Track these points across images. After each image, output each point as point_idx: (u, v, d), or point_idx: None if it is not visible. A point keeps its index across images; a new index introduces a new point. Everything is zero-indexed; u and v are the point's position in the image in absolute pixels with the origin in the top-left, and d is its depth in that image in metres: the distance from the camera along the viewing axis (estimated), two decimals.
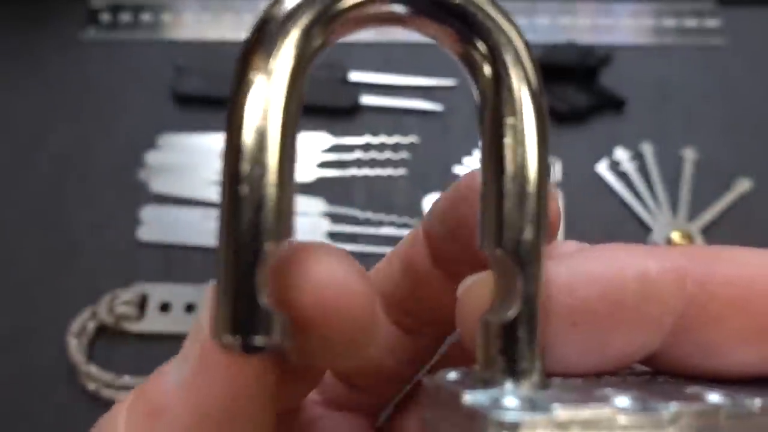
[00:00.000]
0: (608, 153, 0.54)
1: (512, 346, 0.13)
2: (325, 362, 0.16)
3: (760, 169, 0.52)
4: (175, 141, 0.55)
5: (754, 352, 0.14)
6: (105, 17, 0.61)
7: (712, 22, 0.61)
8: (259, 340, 0.12)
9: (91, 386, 0.43)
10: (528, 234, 0.13)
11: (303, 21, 0.13)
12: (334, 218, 0.50)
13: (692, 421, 0.13)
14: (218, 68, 0.56)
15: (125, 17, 0.61)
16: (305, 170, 0.52)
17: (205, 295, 0.14)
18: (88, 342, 0.45)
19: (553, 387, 0.14)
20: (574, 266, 0.14)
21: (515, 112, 0.13)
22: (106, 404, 0.43)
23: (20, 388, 0.44)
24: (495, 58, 0.14)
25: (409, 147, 0.54)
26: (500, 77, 0.14)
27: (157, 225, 0.50)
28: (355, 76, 0.56)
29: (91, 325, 0.45)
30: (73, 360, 0.44)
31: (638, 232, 0.51)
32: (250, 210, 0.12)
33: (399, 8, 0.13)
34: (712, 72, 0.58)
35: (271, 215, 0.12)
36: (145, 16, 0.61)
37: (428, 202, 0.51)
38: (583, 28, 0.61)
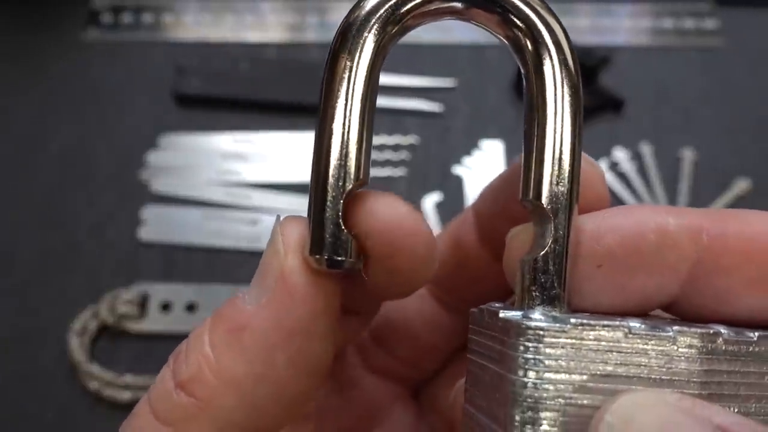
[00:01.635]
0: (607, 153, 0.54)
1: (542, 278, 0.16)
2: (388, 290, 0.18)
3: (759, 169, 0.52)
4: (176, 141, 0.55)
5: (761, 298, 0.16)
6: (106, 18, 0.61)
7: (710, 23, 0.61)
8: (340, 259, 0.16)
9: (93, 385, 0.43)
10: (560, 187, 0.16)
11: (380, 16, 0.16)
12: None
13: (694, 340, 0.15)
14: (219, 68, 0.57)
15: (127, 18, 0.61)
16: (305, 170, 0.52)
17: (275, 226, 0.17)
18: (90, 341, 0.45)
19: (578, 315, 0.16)
20: (601, 219, 0.16)
21: (555, 87, 0.16)
22: (108, 403, 0.43)
23: (22, 387, 0.44)
24: (536, 41, 0.16)
25: (409, 147, 0.54)
26: (541, 58, 0.16)
27: (158, 225, 0.50)
28: None
29: (93, 325, 0.45)
30: (74, 359, 0.44)
31: None
32: (339, 157, 0.16)
33: (457, 3, 0.17)
34: (710, 73, 0.58)
35: (353, 161, 0.16)
36: (147, 17, 0.61)
37: (428, 202, 0.51)
38: (583, 29, 0.61)
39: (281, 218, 0.17)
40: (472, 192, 0.52)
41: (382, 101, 0.55)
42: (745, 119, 0.56)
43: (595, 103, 0.56)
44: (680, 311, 0.17)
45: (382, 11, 0.16)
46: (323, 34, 0.59)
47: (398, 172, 0.53)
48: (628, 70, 0.58)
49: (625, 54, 0.59)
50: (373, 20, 0.16)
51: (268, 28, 0.60)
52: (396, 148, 0.54)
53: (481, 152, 0.54)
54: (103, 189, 0.53)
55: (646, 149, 0.54)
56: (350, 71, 0.16)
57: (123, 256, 0.49)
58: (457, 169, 0.53)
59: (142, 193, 0.52)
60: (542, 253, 0.16)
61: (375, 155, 0.53)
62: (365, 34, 0.16)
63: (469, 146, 0.54)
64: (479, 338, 0.17)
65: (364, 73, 0.16)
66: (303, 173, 0.53)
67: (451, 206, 0.52)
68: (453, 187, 0.53)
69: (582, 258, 0.16)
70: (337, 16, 0.60)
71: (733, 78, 0.58)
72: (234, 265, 0.49)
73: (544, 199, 0.16)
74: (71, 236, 0.51)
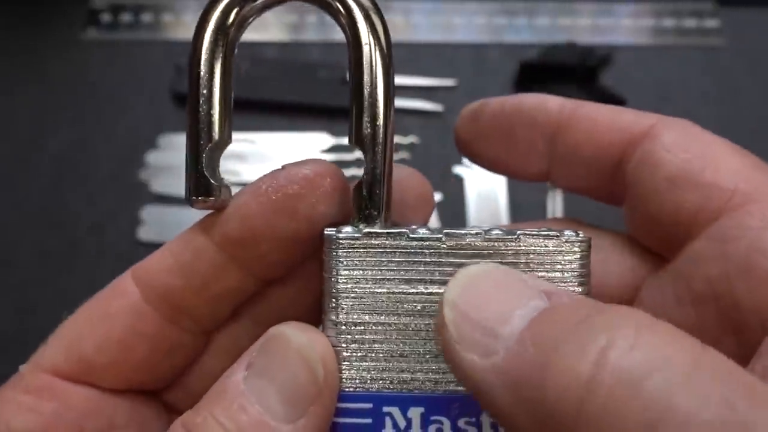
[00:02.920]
0: None
1: (360, 201, 0.20)
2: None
3: None
4: (176, 141, 0.55)
5: (594, 151, 0.22)
6: (106, 17, 0.61)
7: (711, 23, 0.61)
8: (210, 198, 0.20)
9: None
10: (370, 131, 0.20)
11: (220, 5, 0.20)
12: None
13: (457, 240, 0.19)
14: None
15: (126, 18, 0.61)
16: None
17: (301, 340, 0.19)
18: None
19: (396, 226, 0.20)
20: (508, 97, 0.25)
21: (367, 40, 0.20)
22: None
23: None
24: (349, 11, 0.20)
25: (409, 147, 0.54)
26: (356, 24, 0.21)
27: (157, 225, 0.50)
28: None
29: None
30: None
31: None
32: (202, 121, 0.20)
33: None
34: (711, 72, 0.58)
35: (215, 123, 0.20)
36: (146, 17, 0.61)
37: None
38: (583, 29, 0.61)
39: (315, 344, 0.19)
40: (472, 190, 0.52)
41: None
42: (746, 119, 0.56)
43: (596, 102, 0.55)
44: (556, 182, 0.23)
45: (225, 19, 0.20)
46: (323, 34, 0.59)
47: None
48: (628, 70, 0.58)
49: (626, 53, 0.59)
50: (219, 32, 0.20)
51: (268, 28, 0.60)
52: (396, 147, 0.54)
53: None
54: (102, 189, 0.53)
55: None
56: (210, 58, 0.20)
57: (122, 256, 0.49)
58: (457, 169, 0.53)
59: (142, 193, 0.52)
60: (357, 182, 0.20)
61: None
62: (217, 44, 0.20)
63: None
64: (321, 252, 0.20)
65: (220, 65, 0.20)
66: None
67: (451, 206, 0.52)
68: (453, 187, 0.52)
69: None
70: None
71: (735, 78, 0.58)
72: None
73: (361, 142, 0.20)
74: (71, 236, 0.50)
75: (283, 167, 0.20)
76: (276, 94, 0.54)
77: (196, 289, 0.20)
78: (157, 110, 0.56)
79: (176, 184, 0.52)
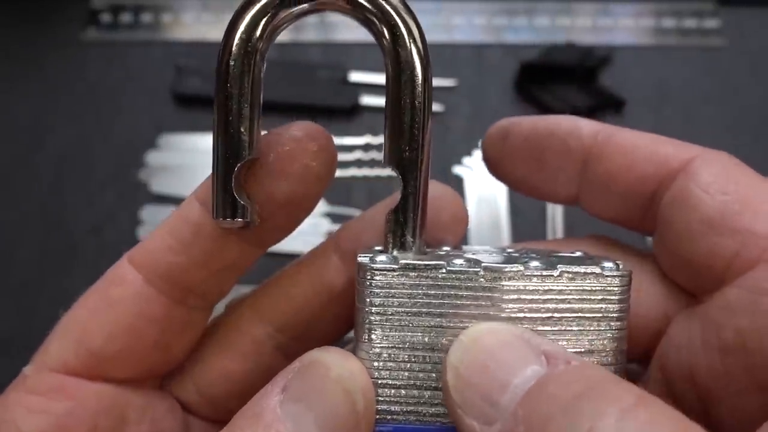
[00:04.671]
0: None
1: (394, 227, 0.20)
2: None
3: (760, 169, 0.52)
4: (176, 141, 0.55)
5: (632, 185, 0.21)
6: (105, 18, 0.61)
7: (711, 23, 0.61)
8: (236, 220, 0.19)
9: None
10: (408, 155, 0.20)
11: (252, 13, 0.19)
12: (334, 218, 0.50)
13: (497, 274, 0.18)
14: None
15: (126, 18, 0.61)
16: None
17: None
18: None
19: (429, 254, 0.20)
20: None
21: (410, 64, 0.19)
22: None
23: None
24: (392, 29, 0.19)
25: None
26: (397, 48, 0.19)
27: (157, 225, 0.50)
28: (355, 76, 0.56)
29: None
30: None
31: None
32: (231, 140, 0.20)
33: (305, 5, 0.19)
34: (711, 72, 0.58)
35: (245, 141, 0.20)
36: (146, 17, 0.61)
37: None
38: (583, 29, 0.61)
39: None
40: (472, 192, 0.52)
41: (382, 101, 0.55)
42: (747, 119, 0.55)
43: (596, 103, 0.55)
44: (585, 207, 0.23)
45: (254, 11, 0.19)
46: (323, 34, 0.59)
47: None
48: (628, 70, 0.58)
49: (626, 54, 0.59)
50: (254, 39, 0.19)
51: None
52: None
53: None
54: (102, 189, 0.53)
55: None
56: (240, 75, 0.20)
57: (122, 256, 0.49)
58: (457, 170, 0.53)
59: (142, 194, 0.52)
60: (393, 208, 0.20)
61: (376, 155, 0.53)
62: (249, 57, 0.19)
63: (469, 146, 0.54)
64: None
65: (249, 79, 0.20)
66: None
67: None
68: (453, 187, 0.52)
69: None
70: (337, 16, 0.60)
71: (735, 78, 0.58)
72: None
73: (393, 163, 0.20)
74: (71, 236, 0.50)
75: (269, 132, 0.20)
76: (276, 94, 0.54)
77: (199, 264, 0.20)
78: (157, 110, 0.56)
79: (176, 184, 0.52)
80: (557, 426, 0.15)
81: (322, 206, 0.51)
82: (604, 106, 0.56)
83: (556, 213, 0.51)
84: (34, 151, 0.54)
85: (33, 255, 0.50)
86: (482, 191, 0.52)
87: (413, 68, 0.19)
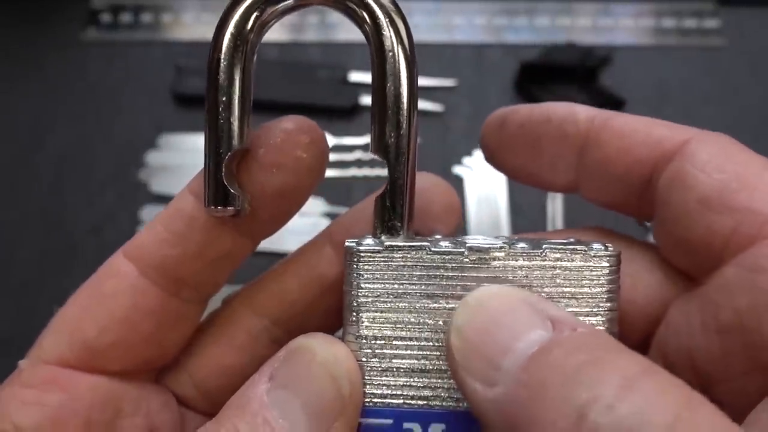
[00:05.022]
0: None
1: (382, 212, 0.20)
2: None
3: None
4: (175, 141, 0.55)
5: (627, 166, 0.21)
6: (105, 18, 0.61)
7: (711, 23, 0.61)
8: (228, 208, 0.19)
9: None
10: (393, 140, 0.20)
11: (242, 9, 0.20)
12: (334, 218, 0.50)
13: (481, 254, 0.19)
14: None
15: (126, 18, 0.61)
16: None
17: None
18: None
19: (418, 238, 0.20)
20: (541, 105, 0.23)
21: (393, 50, 0.20)
22: None
23: None
24: (373, 17, 0.20)
25: None
26: (380, 31, 0.20)
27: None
28: (355, 76, 0.56)
29: None
30: None
31: (638, 231, 0.51)
32: (222, 130, 0.20)
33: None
34: (712, 72, 0.58)
35: (235, 132, 0.20)
36: (146, 17, 0.61)
37: None
38: (583, 29, 0.61)
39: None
40: (472, 192, 0.52)
41: None
42: (747, 119, 0.55)
43: (596, 103, 0.55)
44: (584, 194, 0.23)
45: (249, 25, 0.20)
46: (323, 34, 0.59)
47: None
48: (628, 70, 0.58)
49: (626, 54, 0.59)
50: (245, 32, 0.19)
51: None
52: None
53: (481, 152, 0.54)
54: (102, 189, 0.53)
55: None
56: (230, 68, 0.20)
57: None
58: (457, 169, 0.53)
59: (142, 194, 0.52)
60: (380, 192, 0.20)
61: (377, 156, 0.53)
62: (239, 47, 0.19)
63: (469, 146, 0.54)
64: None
65: (239, 72, 0.20)
66: None
67: None
68: (453, 187, 0.52)
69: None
70: (337, 16, 0.60)
71: (735, 78, 0.58)
72: None
73: (381, 150, 0.20)
74: (71, 236, 0.50)
75: (261, 126, 0.20)
76: (276, 94, 0.54)
77: (193, 256, 0.20)
78: (157, 110, 0.56)
79: (176, 184, 0.52)
80: (557, 393, 0.15)
81: (322, 206, 0.51)
82: (604, 106, 0.55)
83: (556, 213, 0.51)
84: (34, 151, 0.54)
85: (33, 255, 0.50)
86: (482, 191, 0.52)
87: (395, 52, 0.20)
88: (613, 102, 0.56)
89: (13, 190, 0.53)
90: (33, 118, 0.56)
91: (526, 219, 0.51)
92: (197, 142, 0.54)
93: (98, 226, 0.51)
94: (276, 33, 0.60)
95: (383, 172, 0.21)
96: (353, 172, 0.52)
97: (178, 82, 0.57)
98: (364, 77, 0.56)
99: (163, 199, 0.51)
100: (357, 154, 0.53)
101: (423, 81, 0.57)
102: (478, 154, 0.54)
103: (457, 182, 0.53)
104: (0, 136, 0.55)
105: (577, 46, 0.58)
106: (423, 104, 0.56)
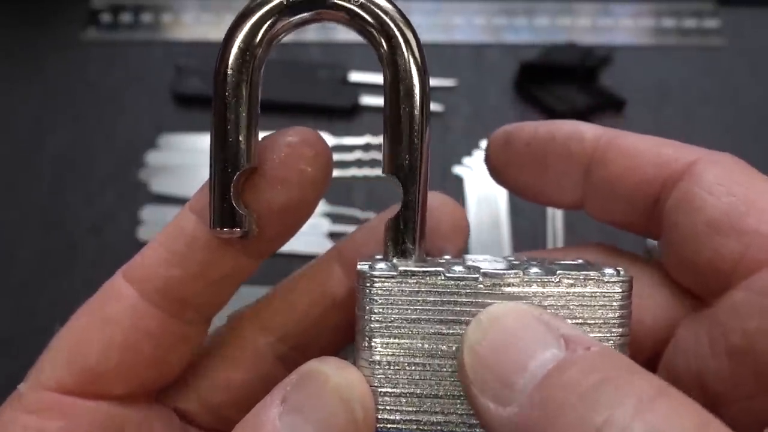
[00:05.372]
0: None
1: (394, 236, 0.20)
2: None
3: (761, 169, 0.52)
4: (176, 141, 0.55)
5: (633, 186, 0.21)
6: (105, 18, 0.61)
7: (711, 23, 0.61)
8: (234, 230, 0.19)
9: None
10: (408, 163, 0.20)
11: (252, 22, 0.19)
12: (334, 218, 0.50)
13: (496, 280, 0.18)
14: None
15: (126, 18, 0.61)
16: None
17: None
18: None
19: (430, 261, 0.20)
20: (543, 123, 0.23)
21: (408, 74, 0.19)
22: None
23: None
24: (389, 39, 0.19)
25: None
26: (395, 56, 0.20)
27: (157, 225, 0.50)
28: (355, 76, 0.56)
29: None
30: None
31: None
32: (229, 149, 0.19)
33: (306, 14, 0.20)
34: (712, 72, 0.58)
35: (243, 151, 0.19)
36: (146, 17, 0.61)
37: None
38: (583, 29, 0.61)
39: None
40: (472, 192, 0.52)
41: (382, 101, 0.55)
42: (747, 119, 0.55)
43: (596, 103, 0.55)
44: (590, 213, 0.23)
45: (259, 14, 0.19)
46: (323, 34, 0.59)
47: None
48: (629, 70, 0.58)
49: (626, 54, 0.59)
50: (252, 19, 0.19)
51: None
52: None
53: (481, 152, 0.54)
54: (102, 189, 0.53)
55: None
56: (237, 87, 0.19)
57: (122, 256, 0.49)
58: (457, 169, 0.53)
59: (142, 194, 0.52)
60: (393, 216, 0.20)
61: (376, 155, 0.53)
62: (249, 62, 0.19)
63: (469, 146, 0.54)
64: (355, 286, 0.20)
65: (247, 88, 0.19)
66: None
67: None
68: (453, 187, 0.52)
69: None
70: None
71: (735, 78, 0.58)
72: None
73: (394, 172, 0.20)
74: (70, 236, 0.50)
75: (264, 138, 0.20)
76: (276, 94, 0.54)
77: (195, 277, 0.20)
78: (157, 110, 0.56)
79: (176, 184, 0.52)
80: (573, 413, 0.14)
81: (322, 206, 0.51)
82: (605, 106, 0.56)
83: (556, 213, 0.51)
84: (34, 151, 0.54)
85: (33, 255, 0.50)
86: (482, 191, 0.52)
87: (411, 78, 0.19)
88: (613, 102, 0.56)
89: (13, 190, 0.53)
90: (33, 118, 0.56)
91: (526, 219, 0.51)
92: (197, 142, 0.54)
93: (98, 226, 0.51)
94: None
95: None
96: (353, 172, 0.52)
97: (178, 82, 0.57)
98: (364, 77, 0.56)
99: (163, 199, 0.51)
100: (357, 154, 0.53)
101: None
102: (478, 154, 0.54)
103: (457, 182, 0.53)
104: (0, 136, 0.55)
105: (577, 46, 0.58)
106: None
